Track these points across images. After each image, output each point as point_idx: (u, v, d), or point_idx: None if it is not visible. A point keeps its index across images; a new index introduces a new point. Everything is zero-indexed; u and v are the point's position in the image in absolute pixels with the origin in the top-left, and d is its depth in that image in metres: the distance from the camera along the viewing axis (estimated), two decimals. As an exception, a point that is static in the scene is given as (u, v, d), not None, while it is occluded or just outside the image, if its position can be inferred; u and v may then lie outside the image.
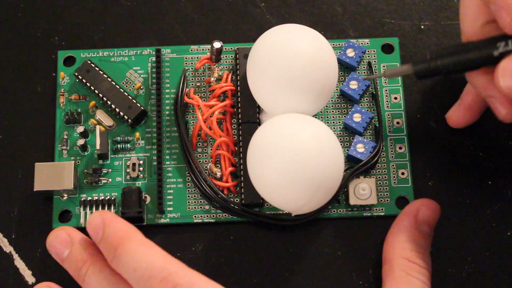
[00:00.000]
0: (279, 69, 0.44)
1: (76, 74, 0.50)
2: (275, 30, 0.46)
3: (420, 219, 0.45)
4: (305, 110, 0.45)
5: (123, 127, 0.50)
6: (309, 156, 0.43)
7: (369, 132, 0.49)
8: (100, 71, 0.50)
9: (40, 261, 0.47)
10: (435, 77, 0.43)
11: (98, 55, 0.51)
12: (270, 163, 0.43)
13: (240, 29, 0.52)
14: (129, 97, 0.49)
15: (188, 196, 0.48)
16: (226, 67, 0.51)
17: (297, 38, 0.45)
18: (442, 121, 0.49)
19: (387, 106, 0.50)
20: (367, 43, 0.51)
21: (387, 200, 0.48)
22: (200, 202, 0.48)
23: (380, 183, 0.48)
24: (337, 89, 0.50)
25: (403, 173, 0.48)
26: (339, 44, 0.51)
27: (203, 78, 0.51)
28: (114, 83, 0.50)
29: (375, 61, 0.51)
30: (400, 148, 0.49)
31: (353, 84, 0.49)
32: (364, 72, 0.50)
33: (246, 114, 0.48)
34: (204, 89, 0.51)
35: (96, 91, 0.49)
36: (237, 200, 0.48)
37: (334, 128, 0.49)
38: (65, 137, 0.49)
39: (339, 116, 0.50)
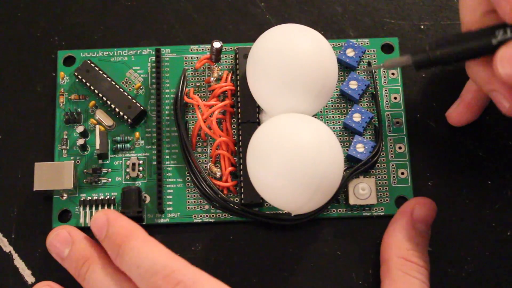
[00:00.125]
0: (279, 69, 0.44)
1: (76, 74, 0.50)
2: (274, 30, 0.46)
3: (416, 217, 0.45)
4: (305, 110, 0.45)
5: (123, 127, 0.50)
6: (309, 156, 0.43)
7: (369, 132, 0.49)
8: (100, 71, 0.50)
9: (39, 261, 0.47)
10: (434, 68, 0.43)
11: (98, 55, 0.51)
12: (270, 163, 0.43)
13: (240, 29, 0.52)
14: (129, 97, 0.49)
15: (188, 196, 0.48)
16: (226, 67, 0.51)
17: (296, 38, 0.45)
18: (442, 121, 0.49)
19: (387, 106, 0.50)
20: (367, 43, 0.51)
21: (387, 200, 0.48)
22: (200, 202, 0.48)
23: (379, 183, 0.48)
24: (336, 89, 0.50)
25: (402, 173, 0.48)
26: (338, 44, 0.51)
27: (203, 78, 0.51)
28: (114, 83, 0.50)
29: (375, 61, 0.51)
30: (400, 148, 0.49)
31: (353, 84, 0.49)
32: (364, 72, 0.50)
33: (245, 114, 0.48)
34: (203, 89, 0.51)
35: (96, 91, 0.49)
36: (236, 200, 0.48)
37: (333, 128, 0.49)
38: (65, 137, 0.49)
39: (338, 116, 0.50)
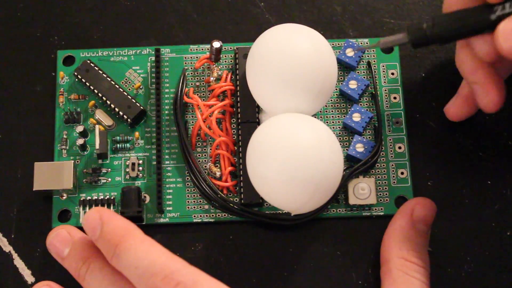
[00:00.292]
0: (279, 69, 0.44)
1: (75, 73, 0.50)
2: (274, 30, 0.46)
3: (415, 218, 0.45)
4: (305, 109, 0.45)
5: (123, 127, 0.50)
6: (309, 156, 0.43)
7: (369, 131, 0.49)
8: (99, 71, 0.50)
9: (39, 261, 0.47)
10: (431, 45, 0.42)
11: (97, 55, 0.51)
12: (270, 162, 0.43)
13: (240, 29, 0.52)
14: (129, 96, 0.49)
15: (188, 196, 0.48)
16: (226, 66, 0.51)
17: (296, 37, 0.45)
18: (441, 120, 0.49)
19: (387, 106, 0.50)
20: (367, 43, 0.51)
21: (387, 200, 0.48)
22: (200, 201, 0.48)
23: (379, 182, 0.48)
24: (336, 89, 0.50)
25: (402, 173, 0.48)
26: (338, 44, 0.51)
27: (203, 78, 0.51)
28: (113, 83, 0.50)
29: (374, 61, 0.51)
30: (400, 147, 0.49)
31: (353, 84, 0.49)
32: (364, 72, 0.50)
33: (245, 114, 0.48)
34: (203, 89, 0.50)
35: (96, 91, 0.49)
36: (236, 200, 0.48)
37: (333, 127, 0.49)
38: (65, 136, 0.49)
39: (338, 116, 0.50)
